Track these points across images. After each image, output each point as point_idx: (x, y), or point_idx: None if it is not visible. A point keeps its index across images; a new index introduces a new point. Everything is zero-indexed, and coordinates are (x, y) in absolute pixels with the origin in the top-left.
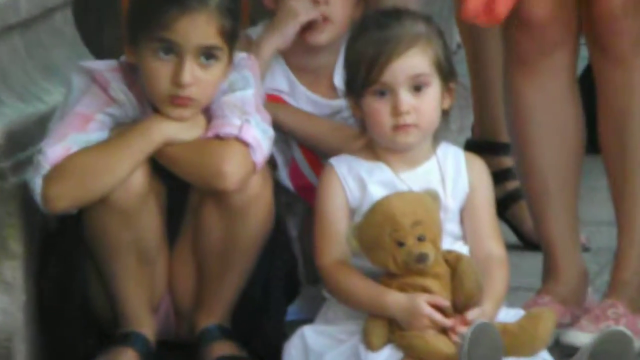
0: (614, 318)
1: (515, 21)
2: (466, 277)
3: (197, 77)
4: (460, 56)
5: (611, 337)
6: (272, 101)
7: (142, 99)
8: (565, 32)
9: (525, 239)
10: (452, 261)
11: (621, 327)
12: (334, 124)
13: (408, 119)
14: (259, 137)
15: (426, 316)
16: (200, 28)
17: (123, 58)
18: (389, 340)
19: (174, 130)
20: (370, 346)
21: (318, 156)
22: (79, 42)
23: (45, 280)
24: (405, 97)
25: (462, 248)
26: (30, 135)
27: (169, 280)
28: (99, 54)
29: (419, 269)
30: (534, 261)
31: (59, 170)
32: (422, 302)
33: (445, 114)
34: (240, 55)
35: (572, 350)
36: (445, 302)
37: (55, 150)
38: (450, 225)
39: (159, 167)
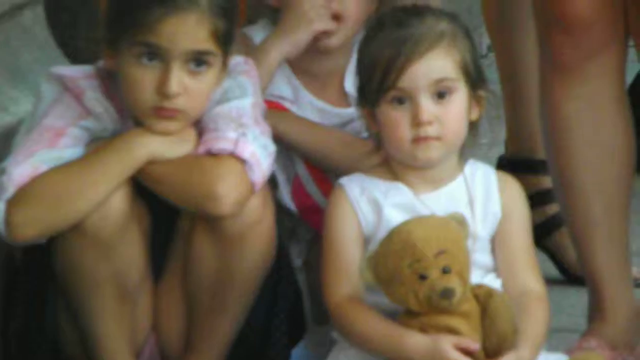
0: None
1: (554, 21)
2: (499, 316)
3: (185, 86)
4: (491, 60)
5: None
6: (272, 109)
7: (123, 110)
8: (610, 32)
9: (568, 272)
10: (483, 297)
11: None
12: (345, 137)
13: (430, 131)
14: (258, 153)
15: None
16: (189, 30)
17: (101, 63)
18: None
19: (160, 146)
20: None
21: (325, 172)
22: (50, 44)
23: (10, 320)
24: (427, 105)
25: (493, 282)
26: None
27: (154, 319)
28: (73, 58)
29: (444, 306)
30: (578, 298)
31: (25, 193)
32: (448, 345)
33: (473, 126)
34: (236, 60)
35: None
36: (475, 345)
37: (21, 169)
38: (480, 256)
39: (142, 187)
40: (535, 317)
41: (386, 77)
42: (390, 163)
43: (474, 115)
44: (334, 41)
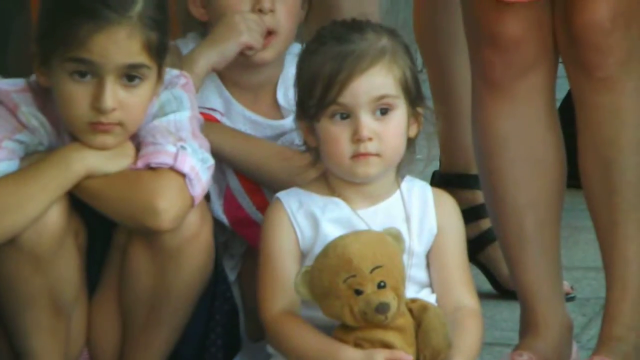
0: None
1: (484, 40)
2: (433, 331)
3: (120, 100)
4: (426, 75)
5: None
6: (204, 121)
7: (58, 124)
8: (540, 51)
9: (501, 287)
10: (417, 312)
11: None
12: (281, 150)
13: (370, 147)
14: (197, 167)
15: None
16: (121, 44)
17: (33, 77)
18: None
19: (98, 160)
20: None
21: (257, 185)
22: None
23: None
24: (367, 122)
25: (428, 297)
26: None
27: (88, 334)
28: (3, 72)
29: (379, 320)
30: (511, 313)
31: None
32: (382, 359)
33: (410, 142)
34: (173, 72)
35: None
36: (409, 359)
37: None
38: (416, 271)
39: (78, 200)
40: (469, 332)
41: (327, 92)
42: (327, 178)
43: (413, 132)
44: (267, 55)
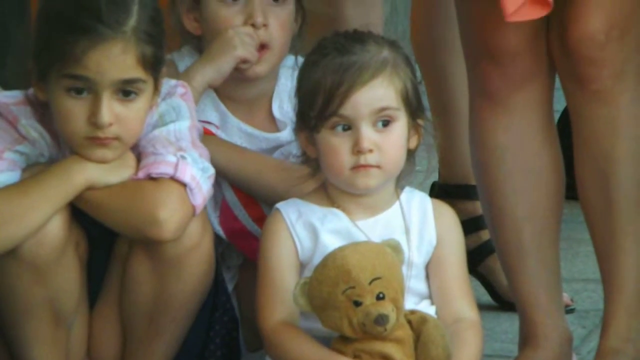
0: None
1: (481, 52)
2: (432, 343)
3: (117, 114)
4: (424, 87)
5: None
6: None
7: (58, 135)
8: (537, 63)
9: (501, 299)
10: (416, 323)
11: None
12: (278, 162)
13: (370, 159)
14: (198, 176)
15: None
16: (116, 60)
17: (30, 90)
18: None
19: (99, 172)
20: None
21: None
22: None
23: None
24: (368, 134)
25: (428, 308)
26: None
27: (89, 345)
28: (3, 84)
29: (378, 332)
30: (511, 324)
31: None
32: None
33: (410, 154)
34: (171, 82)
35: None
36: None
37: None
38: (415, 283)
39: (79, 210)
40: (469, 344)
41: (328, 104)
42: (327, 188)
43: (413, 144)
44: (261, 69)
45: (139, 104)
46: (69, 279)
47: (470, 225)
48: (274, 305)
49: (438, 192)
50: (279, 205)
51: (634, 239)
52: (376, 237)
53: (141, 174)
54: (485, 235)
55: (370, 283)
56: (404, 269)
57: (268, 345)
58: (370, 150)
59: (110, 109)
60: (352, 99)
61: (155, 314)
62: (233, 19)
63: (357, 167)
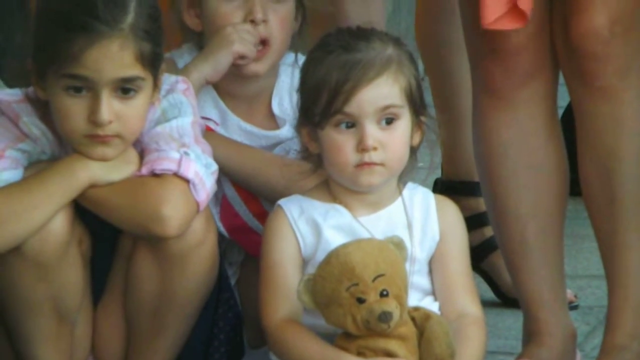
0: None
1: (484, 49)
2: (436, 339)
3: (116, 112)
4: (427, 83)
5: None
6: None
7: (60, 133)
8: (541, 59)
9: (504, 295)
10: (420, 320)
11: None
12: (278, 158)
13: (374, 156)
14: (201, 172)
15: None
16: (114, 58)
17: (31, 89)
18: None
19: (102, 169)
20: None
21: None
22: None
23: None
24: (373, 131)
25: (431, 305)
26: None
27: (93, 342)
28: (6, 81)
29: (382, 329)
30: (514, 321)
31: None
32: None
33: (413, 151)
34: (172, 78)
35: None
36: None
37: None
38: (418, 278)
39: (82, 207)
40: (472, 340)
41: (333, 101)
42: (329, 184)
43: (416, 141)
44: (260, 68)
45: (139, 101)
46: (72, 276)
47: (473, 222)
48: (277, 301)
49: (441, 188)
50: (281, 201)
51: (638, 235)
52: (379, 232)
53: (144, 171)
54: (488, 231)
55: (373, 280)
56: (407, 264)
57: (272, 342)
58: (375, 148)
59: (110, 106)
60: (357, 96)
61: (159, 310)
62: (233, 15)
63: (361, 165)
